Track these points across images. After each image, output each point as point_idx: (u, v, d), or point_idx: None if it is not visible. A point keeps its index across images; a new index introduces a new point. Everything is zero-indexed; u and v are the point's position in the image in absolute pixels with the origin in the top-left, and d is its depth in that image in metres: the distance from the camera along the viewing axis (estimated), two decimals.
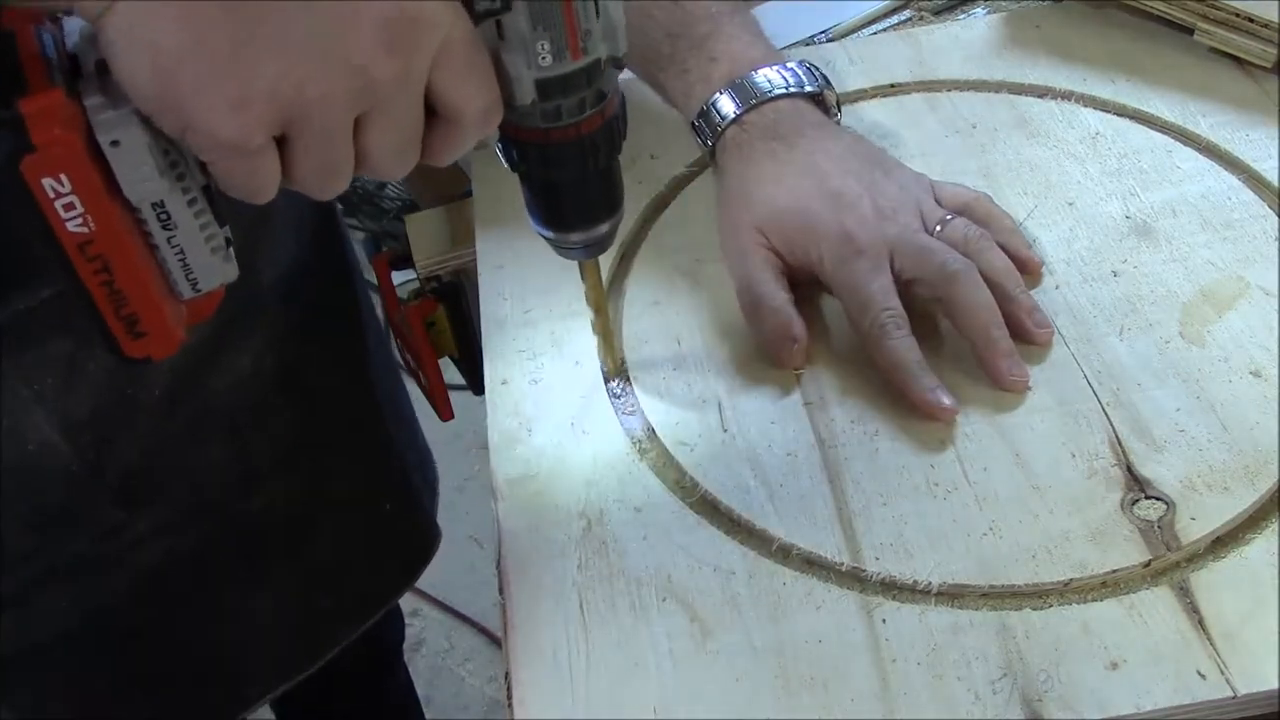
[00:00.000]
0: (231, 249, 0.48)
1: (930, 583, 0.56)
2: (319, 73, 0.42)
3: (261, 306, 0.72)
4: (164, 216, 0.45)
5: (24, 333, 0.62)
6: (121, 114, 0.43)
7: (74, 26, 0.44)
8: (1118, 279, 0.68)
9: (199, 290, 0.48)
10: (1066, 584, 0.55)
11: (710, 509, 0.60)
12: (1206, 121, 0.76)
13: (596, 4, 0.48)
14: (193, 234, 0.46)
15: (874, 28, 0.91)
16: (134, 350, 0.48)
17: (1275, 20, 0.76)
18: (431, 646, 1.64)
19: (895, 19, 0.92)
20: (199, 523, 0.73)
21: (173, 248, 0.46)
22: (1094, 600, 0.55)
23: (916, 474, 0.60)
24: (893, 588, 0.56)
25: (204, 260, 0.47)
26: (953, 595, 0.56)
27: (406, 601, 1.05)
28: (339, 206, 0.86)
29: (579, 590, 0.57)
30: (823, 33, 0.92)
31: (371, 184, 2.08)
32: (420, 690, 1.26)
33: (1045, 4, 0.87)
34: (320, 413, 0.77)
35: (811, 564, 0.57)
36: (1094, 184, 0.73)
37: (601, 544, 0.59)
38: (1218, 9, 0.78)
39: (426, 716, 1.25)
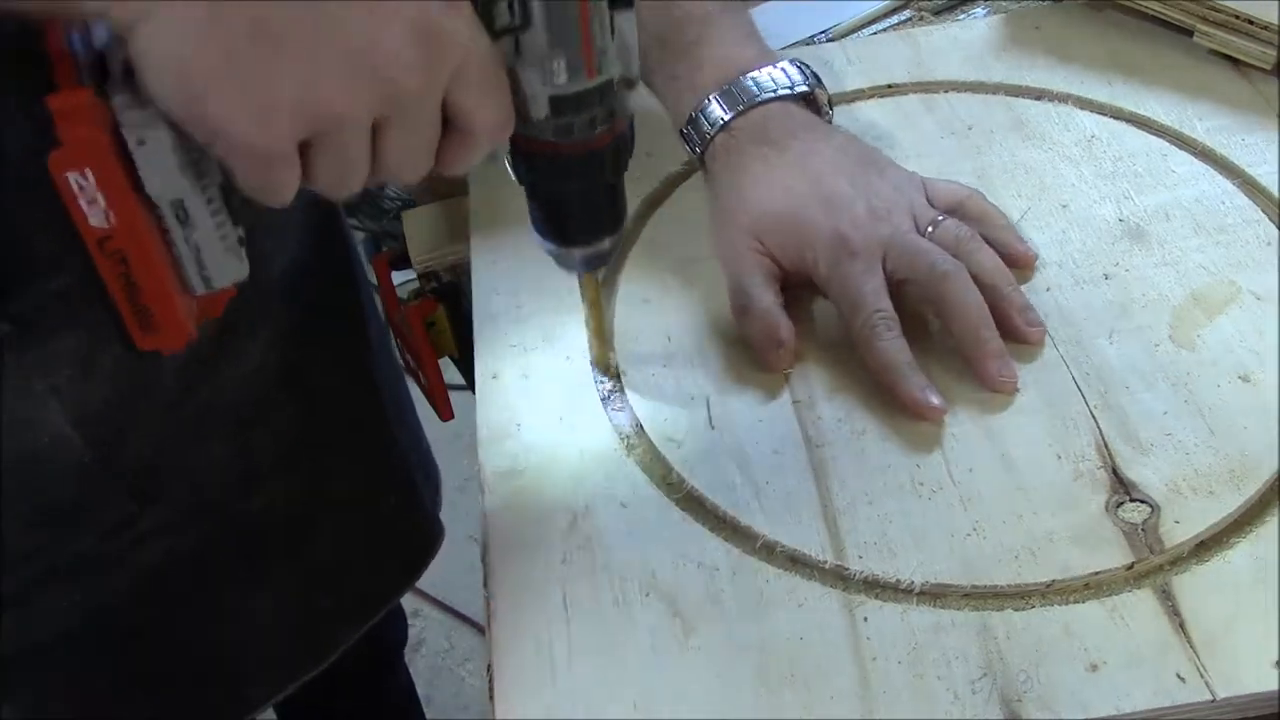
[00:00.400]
0: (244, 248, 0.49)
1: (913, 582, 0.56)
2: (345, 84, 0.43)
3: (268, 301, 0.72)
4: (182, 215, 0.47)
5: (36, 327, 0.62)
6: (148, 114, 0.44)
7: (102, 28, 0.45)
8: (1109, 282, 0.68)
9: (212, 287, 0.49)
10: (1049, 585, 0.55)
11: (696, 505, 0.60)
12: (1203, 125, 0.76)
13: (612, 24, 0.49)
14: (209, 232, 0.48)
15: (874, 28, 0.91)
16: (145, 343, 0.49)
17: (1275, 22, 0.76)
18: (431, 646, 1.64)
19: (895, 19, 0.92)
20: (200, 522, 0.73)
21: (189, 245, 0.48)
22: (1076, 602, 0.55)
23: (902, 473, 0.60)
24: (875, 586, 0.56)
25: (218, 258, 0.49)
26: (935, 595, 0.56)
27: (406, 601, 1.06)
28: (341, 206, 0.86)
29: (562, 584, 0.57)
30: (823, 33, 0.92)
31: (371, 183, 2.08)
32: (420, 690, 1.25)
33: (1045, 4, 0.87)
34: (322, 412, 0.77)
35: (795, 562, 0.57)
36: (1088, 187, 0.73)
37: (586, 539, 0.59)
38: (1217, 10, 0.78)
39: (426, 716, 1.24)
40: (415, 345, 0.92)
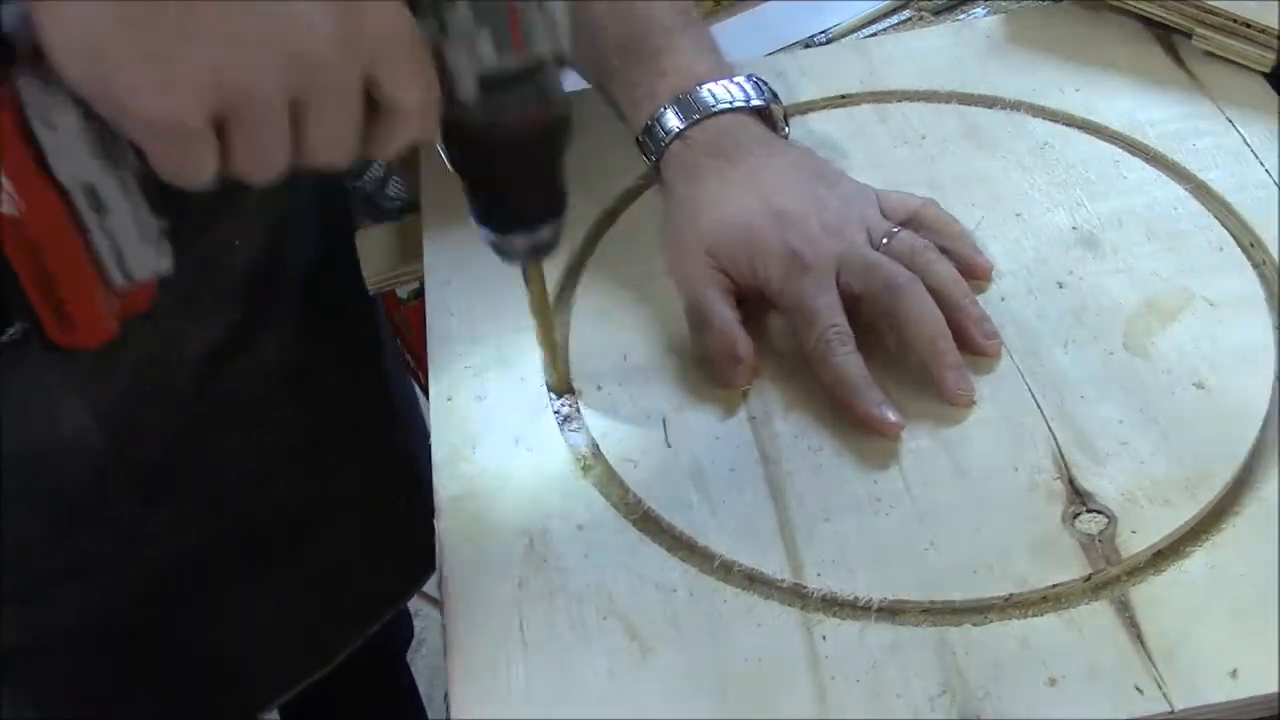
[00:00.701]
0: (168, 240, 0.48)
1: (871, 599, 0.55)
2: (256, 58, 0.42)
3: (284, 299, 0.72)
4: (95, 201, 0.45)
5: None
6: (55, 96, 0.43)
7: (9, 9, 0.44)
8: (1063, 290, 0.68)
9: (131, 279, 0.48)
10: (1007, 599, 0.55)
11: (653, 526, 0.59)
12: (1154, 131, 0.76)
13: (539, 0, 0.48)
14: (125, 219, 0.46)
15: (874, 27, 0.91)
16: (62, 338, 0.47)
17: (1273, 25, 0.76)
18: (431, 646, 1.59)
19: (895, 19, 0.91)
20: (208, 520, 0.72)
21: (105, 233, 0.46)
22: (1034, 615, 0.55)
23: (859, 489, 0.60)
24: (833, 604, 0.56)
25: (136, 248, 0.47)
26: (893, 611, 0.55)
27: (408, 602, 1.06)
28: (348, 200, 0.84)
29: (519, 608, 0.57)
30: (822, 33, 0.91)
31: (371, 184, 2.07)
32: (420, 690, 1.24)
33: (1041, 5, 0.86)
34: (330, 412, 0.77)
35: (753, 581, 0.57)
36: (1041, 195, 0.73)
37: (543, 561, 0.58)
38: (1214, 14, 0.78)
39: (427, 716, 1.24)
40: (415, 345, 0.91)
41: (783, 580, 0.57)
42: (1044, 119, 0.78)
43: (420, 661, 1.59)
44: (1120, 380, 0.63)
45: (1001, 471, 0.60)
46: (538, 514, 0.60)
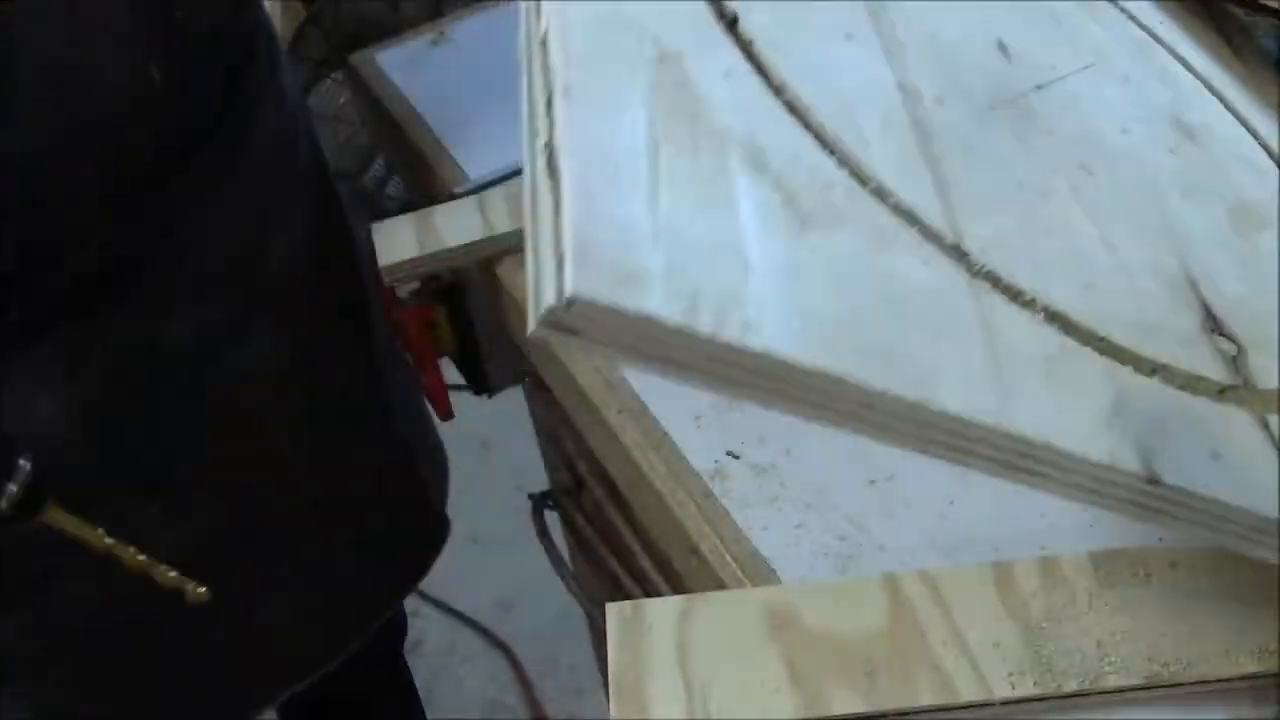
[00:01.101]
0: None
1: (1036, 299, 0.45)
2: None
3: (274, 294, 0.71)
4: None
5: (33, 320, 0.61)
6: None
7: None
8: (1174, 155, 0.62)
9: None
10: (1164, 365, 0.47)
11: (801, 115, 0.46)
12: None
13: None
14: None
15: None
16: None
17: None
18: (431, 646, 1.59)
19: None
20: (208, 518, 0.72)
21: None
22: (1189, 392, 0.47)
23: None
24: (999, 284, 0.45)
25: None
26: (1062, 321, 0.45)
27: (407, 601, 1.02)
28: (341, 199, 0.80)
29: (653, 133, 0.41)
30: None
31: (371, 183, 1.79)
32: (420, 690, 1.18)
33: None
34: (328, 407, 0.76)
35: (914, 221, 0.45)
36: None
37: (681, 86, 0.43)
38: None
39: (427, 716, 1.18)
40: (414, 345, 0.91)
41: (944, 236, 0.45)
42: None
43: (420, 661, 1.56)
44: (1236, 244, 0.57)
45: (1141, 264, 0.52)
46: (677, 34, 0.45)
